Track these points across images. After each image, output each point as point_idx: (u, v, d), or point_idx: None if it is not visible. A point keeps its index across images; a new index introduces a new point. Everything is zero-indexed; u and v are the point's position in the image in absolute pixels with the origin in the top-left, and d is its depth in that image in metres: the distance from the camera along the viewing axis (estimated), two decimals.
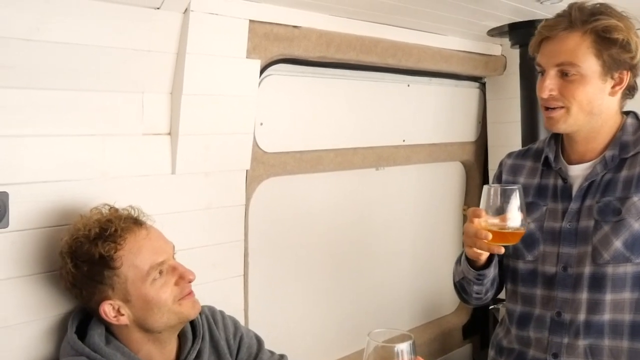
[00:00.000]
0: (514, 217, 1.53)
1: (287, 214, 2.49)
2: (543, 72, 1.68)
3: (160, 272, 1.55)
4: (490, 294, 1.86)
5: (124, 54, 1.71)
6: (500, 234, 1.54)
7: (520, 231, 1.54)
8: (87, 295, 1.54)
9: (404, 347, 1.21)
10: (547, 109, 1.68)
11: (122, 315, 1.53)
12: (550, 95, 1.65)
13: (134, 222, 1.59)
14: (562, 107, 1.65)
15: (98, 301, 1.52)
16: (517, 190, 1.53)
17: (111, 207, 1.62)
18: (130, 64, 1.74)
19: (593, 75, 1.62)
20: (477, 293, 1.81)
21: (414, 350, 1.22)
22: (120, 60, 1.71)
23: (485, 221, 1.54)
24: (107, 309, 1.52)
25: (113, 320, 1.53)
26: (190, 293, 1.61)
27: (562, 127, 1.69)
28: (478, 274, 1.73)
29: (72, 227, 1.57)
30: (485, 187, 1.55)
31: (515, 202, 1.53)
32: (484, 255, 1.65)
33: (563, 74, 1.64)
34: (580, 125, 1.68)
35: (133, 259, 1.53)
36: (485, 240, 1.54)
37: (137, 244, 1.54)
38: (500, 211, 1.54)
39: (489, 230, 1.53)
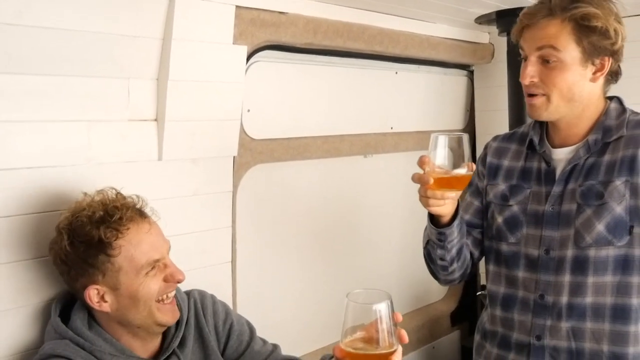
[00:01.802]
0: (459, 164, 1.53)
1: (275, 201, 2.49)
2: (526, 58, 1.69)
3: (153, 268, 1.55)
4: (455, 267, 1.85)
5: (109, 39, 1.70)
6: (445, 180, 1.54)
7: (466, 177, 1.54)
8: (74, 275, 1.52)
9: (382, 307, 1.21)
10: (529, 95, 1.70)
11: (105, 302, 1.52)
12: (532, 82, 1.66)
13: (139, 214, 1.58)
14: (542, 95, 1.67)
15: (84, 284, 1.51)
16: (463, 139, 1.53)
17: (118, 193, 1.60)
18: (116, 49, 1.73)
19: (573, 61, 1.64)
20: (442, 259, 1.81)
21: (392, 308, 1.22)
22: (106, 45, 1.71)
23: (432, 169, 1.54)
24: (92, 294, 1.51)
25: (95, 306, 1.52)
26: (172, 302, 1.60)
27: (543, 115, 1.70)
28: (439, 233, 1.73)
29: (74, 205, 1.56)
30: (432, 135, 1.55)
31: (460, 150, 1.53)
32: (443, 208, 1.65)
33: (544, 61, 1.65)
34: (562, 112, 1.69)
35: (132, 251, 1.51)
36: (430, 186, 1.55)
37: (138, 237, 1.53)
38: (447, 159, 1.54)
39: (435, 177, 1.54)
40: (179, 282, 1.59)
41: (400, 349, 1.26)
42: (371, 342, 1.22)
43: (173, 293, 1.60)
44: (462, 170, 1.53)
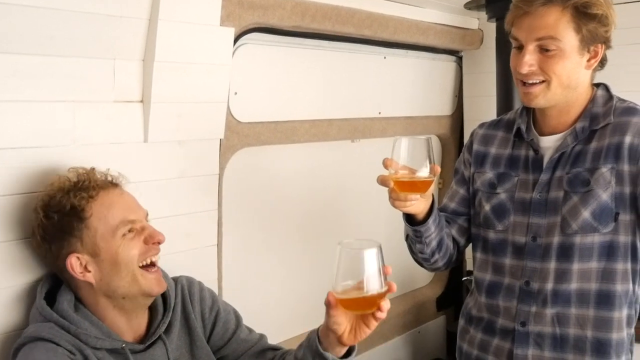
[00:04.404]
0: (422, 166, 1.56)
1: (261, 185, 2.48)
2: (520, 47, 1.67)
3: (131, 230, 1.54)
4: (437, 258, 1.87)
5: (95, 19, 1.68)
6: (407, 183, 1.58)
7: (429, 180, 1.57)
8: (56, 251, 1.52)
9: (372, 252, 1.28)
10: (524, 84, 1.68)
11: (89, 272, 1.51)
12: (530, 70, 1.64)
13: (110, 183, 1.60)
14: (542, 82, 1.65)
15: (66, 256, 1.51)
16: (426, 142, 1.56)
17: (91, 168, 1.61)
18: (102, 29, 1.71)
19: (572, 49, 1.63)
20: (421, 252, 1.84)
21: (382, 256, 1.29)
22: (91, 25, 1.68)
23: (396, 171, 1.56)
24: (74, 262, 1.50)
25: (79, 276, 1.51)
26: (157, 271, 1.60)
27: (541, 102, 1.69)
28: (414, 230, 1.76)
29: (48, 184, 1.57)
30: (396, 138, 1.58)
31: (424, 152, 1.55)
32: (413, 208, 1.67)
33: (542, 49, 1.63)
34: (558, 99, 1.69)
35: (105, 212, 1.52)
36: (392, 188, 1.58)
37: (109, 199, 1.54)
38: (410, 161, 1.56)
39: (398, 180, 1.56)
40: (159, 243, 1.58)
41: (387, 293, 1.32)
42: (361, 287, 1.29)
43: (156, 258, 1.59)
44: (424, 173, 1.56)
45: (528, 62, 1.64)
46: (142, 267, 1.55)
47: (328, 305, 1.35)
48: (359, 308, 1.35)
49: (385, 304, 1.31)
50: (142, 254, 1.55)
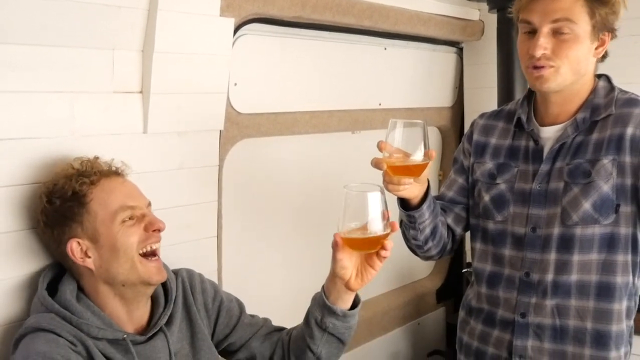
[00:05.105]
0: (417, 151, 1.55)
1: (261, 176, 2.48)
2: (531, 31, 1.66)
3: (131, 218, 1.55)
4: (431, 245, 1.87)
5: (94, 9, 1.67)
6: (403, 167, 1.58)
7: (423, 164, 1.57)
8: (57, 236, 1.53)
9: (375, 195, 1.37)
10: (535, 67, 1.67)
11: (89, 257, 1.52)
12: (543, 54, 1.63)
13: (114, 172, 1.62)
14: (551, 67, 1.65)
15: (67, 241, 1.52)
16: (420, 127, 1.55)
17: (95, 157, 1.63)
18: (101, 19, 1.70)
19: (585, 35, 1.63)
20: (414, 239, 1.83)
21: (385, 200, 1.38)
22: (90, 15, 1.67)
23: (390, 154, 1.56)
24: (75, 247, 1.51)
25: (79, 261, 1.51)
26: (158, 260, 1.60)
27: (552, 86, 1.68)
28: (408, 215, 1.76)
29: (53, 173, 1.59)
30: (391, 121, 1.57)
31: (419, 137, 1.55)
32: (407, 192, 1.66)
33: (556, 33, 1.63)
34: (567, 84, 1.68)
35: (105, 197, 1.54)
36: (385, 171, 1.58)
37: (110, 185, 1.56)
38: (405, 145, 1.55)
39: (392, 163, 1.56)
40: (159, 231, 1.59)
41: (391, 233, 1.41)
42: (365, 228, 1.39)
43: (157, 246, 1.59)
44: (419, 157, 1.55)
45: (543, 44, 1.63)
46: (142, 255, 1.56)
47: (335, 246, 1.42)
48: (364, 247, 1.44)
49: (389, 243, 1.41)
50: (142, 241, 1.55)
